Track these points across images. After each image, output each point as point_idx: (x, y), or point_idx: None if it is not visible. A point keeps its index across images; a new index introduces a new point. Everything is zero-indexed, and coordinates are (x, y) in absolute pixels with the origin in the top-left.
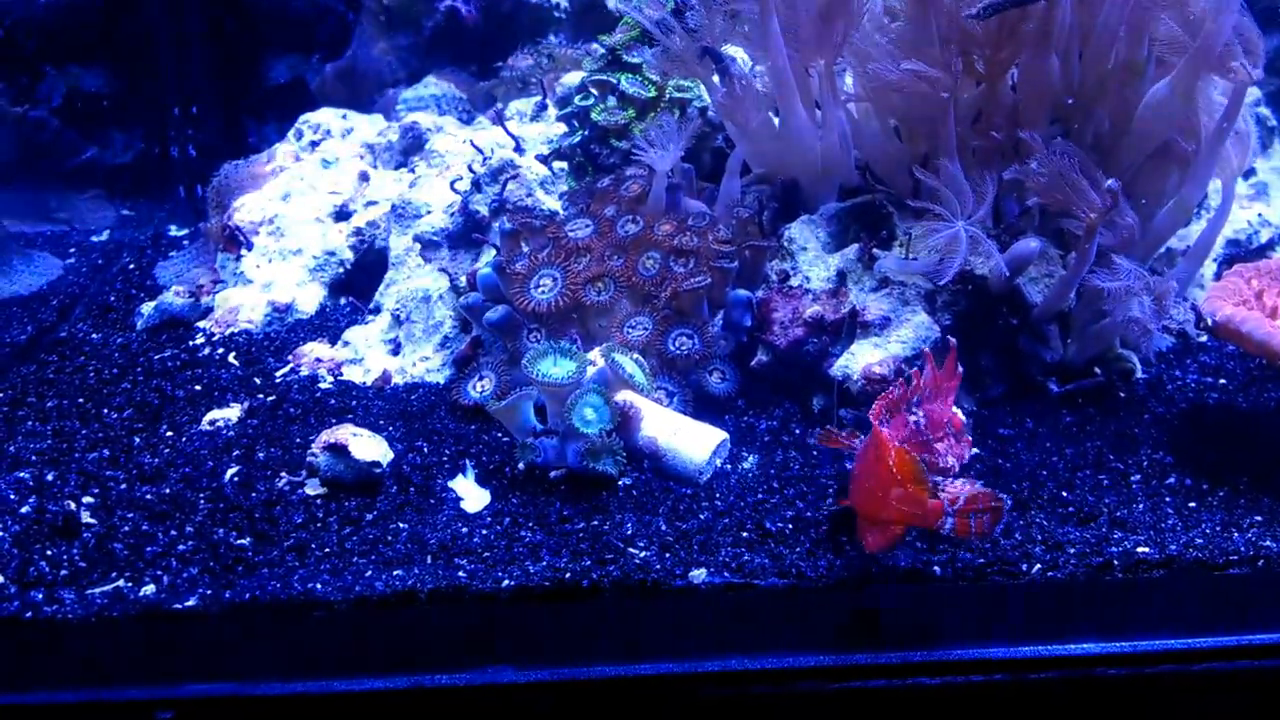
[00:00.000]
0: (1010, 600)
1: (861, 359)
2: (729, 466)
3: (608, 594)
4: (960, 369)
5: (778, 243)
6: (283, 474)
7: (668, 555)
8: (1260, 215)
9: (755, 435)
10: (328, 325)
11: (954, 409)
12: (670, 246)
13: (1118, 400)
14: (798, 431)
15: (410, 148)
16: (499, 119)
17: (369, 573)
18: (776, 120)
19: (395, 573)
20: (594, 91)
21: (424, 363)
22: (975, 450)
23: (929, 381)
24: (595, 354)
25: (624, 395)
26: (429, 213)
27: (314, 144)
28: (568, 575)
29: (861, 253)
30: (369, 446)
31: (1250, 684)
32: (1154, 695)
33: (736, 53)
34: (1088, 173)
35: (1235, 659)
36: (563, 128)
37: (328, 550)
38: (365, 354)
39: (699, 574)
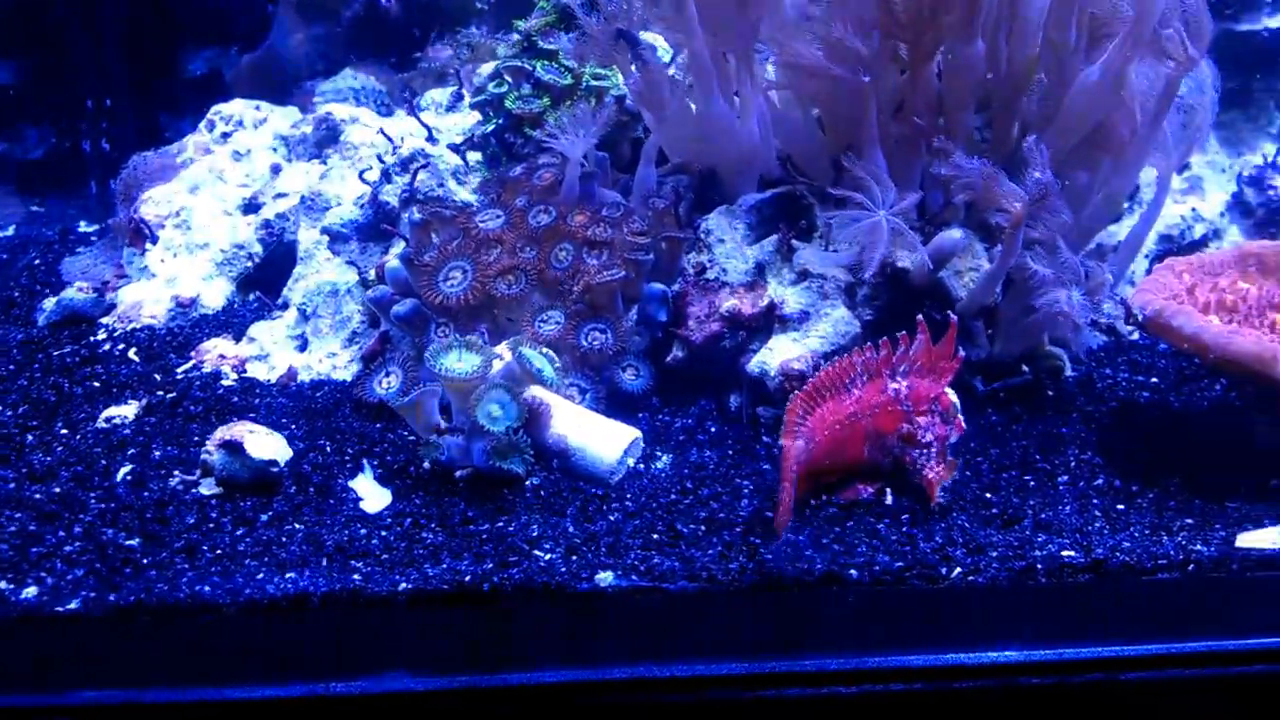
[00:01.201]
0: (930, 605)
1: (779, 355)
2: (642, 466)
3: (509, 598)
4: (962, 353)
5: (695, 234)
6: (175, 473)
7: (574, 558)
8: (1194, 210)
9: (670, 434)
10: (234, 321)
11: (948, 390)
12: (584, 238)
13: (1046, 399)
14: (714, 430)
15: (324, 139)
16: (411, 108)
17: (260, 575)
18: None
19: (288, 575)
20: (508, 79)
21: (331, 359)
22: None
23: (920, 354)
24: (503, 348)
25: (533, 391)
26: (339, 204)
27: (225, 135)
28: (468, 578)
29: (780, 244)
30: (265, 444)
31: (1180, 692)
32: (1080, 705)
33: (657, 40)
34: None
35: (1165, 667)
36: (478, 117)
37: (219, 552)
38: (271, 350)
39: (605, 577)
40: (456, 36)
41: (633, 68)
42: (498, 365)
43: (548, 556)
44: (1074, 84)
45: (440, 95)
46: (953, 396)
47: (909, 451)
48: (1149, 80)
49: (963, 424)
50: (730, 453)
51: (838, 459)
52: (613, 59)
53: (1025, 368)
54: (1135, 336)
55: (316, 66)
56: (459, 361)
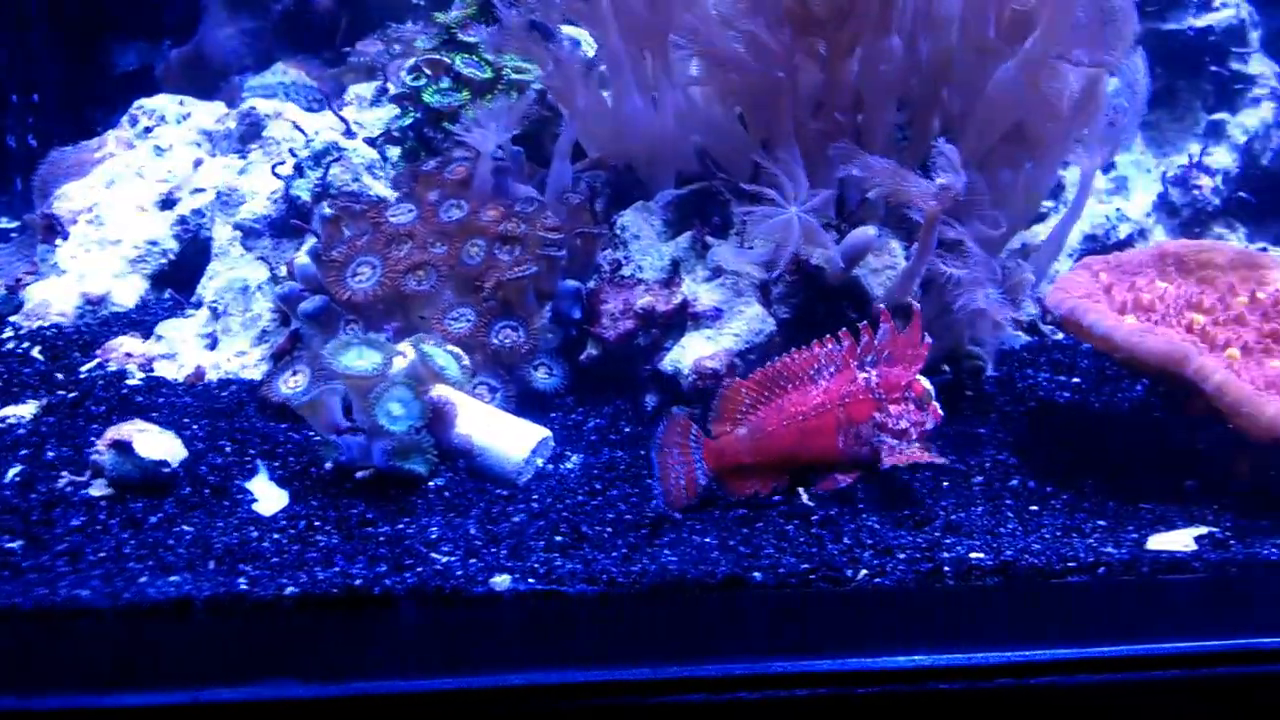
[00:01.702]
0: (835, 608)
1: (692, 353)
2: (551, 466)
3: (401, 602)
4: (929, 339)
5: (610, 231)
6: (64, 474)
7: (473, 561)
8: (1119, 210)
9: (582, 434)
10: (145, 319)
11: (920, 378)
12: (496, 233)
13: (965, 399)
14: (627, 430)
15: (248, 134)
16: (328, 101)
17: (143, 579)
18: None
19: (171, 579)
20: (427, 72)
21: (240, 358)
22: None
23: (886, 343)
24: (405, 345)
25: (438, 390)
26: (254, 199)
27: (148, 130)
28: (358, 582)
29: (695, 240)
30: (157, 444)
31: (1088, 698)
32: (988, 710)
33: (582, 34)
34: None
35: (1073, 672)
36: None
37: (103, 555)
38: (180, 349)
39: (502, 581)
40: (387, 32)
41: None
42: (400, 363)
43: (446, 559)
44: (991, 81)
45: (365, 90)
46: (926, 383)
47: (885, 440)
48: (1070, 78)
49: (939, 411)
50: (643, 453)
51: (807, 450)
52: (530, 51)
53: (946, 367)
54: (1059, 337)
55: (246, 61)
56: (359, 359)
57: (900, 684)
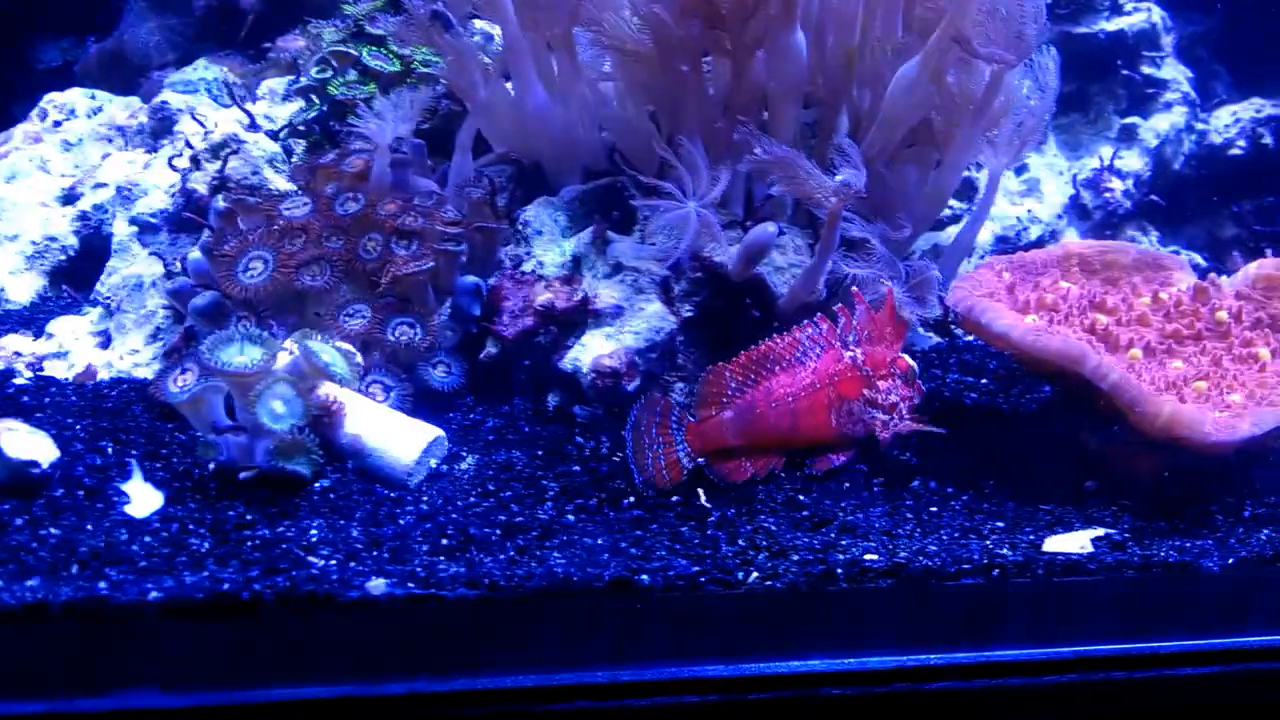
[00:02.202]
0: (725, 612)
1: (592, 351)
2: (445, 467)
3: (271, 608)
4: (911, 316)
5: (513, 226)
6: None
7: (352, 564)
8: (1030, 211)
9: (479, 433)
10: (39, 317)
11: (904, 355)
12: (393, 228)
13: None
14: (526, 429)
15: (159, 129)
16: (230, 93)
17: None
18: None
19: (29, 583)
20: (334, 64)
21: (133, 356)
22: None
23: (864, 323)
24: (291, 342)
25: (327, 389)
26: (153, 193)
27: (57, 124)
28: (226, 586)
29: (596, 236)
30: (26, 443)
31: (981, 702)
32: (883, 716)
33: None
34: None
35: (969, 678)
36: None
37: None
38: (72, 347)
39: (378, 585)
40: (308, 28)
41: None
42: (285, 359)
43: (322, 563)
44: (895, 78)
45: (278, 84)
46: (909, 360)
47: (877, 415)
48: (976, 76)
49: (923, 387)
50: (540, 453)
51: (799, 430)
52: (434, 43)
53: None
54: (970, 338)
55: (168, 57)
56: (239, 355)
57: (792, 689)
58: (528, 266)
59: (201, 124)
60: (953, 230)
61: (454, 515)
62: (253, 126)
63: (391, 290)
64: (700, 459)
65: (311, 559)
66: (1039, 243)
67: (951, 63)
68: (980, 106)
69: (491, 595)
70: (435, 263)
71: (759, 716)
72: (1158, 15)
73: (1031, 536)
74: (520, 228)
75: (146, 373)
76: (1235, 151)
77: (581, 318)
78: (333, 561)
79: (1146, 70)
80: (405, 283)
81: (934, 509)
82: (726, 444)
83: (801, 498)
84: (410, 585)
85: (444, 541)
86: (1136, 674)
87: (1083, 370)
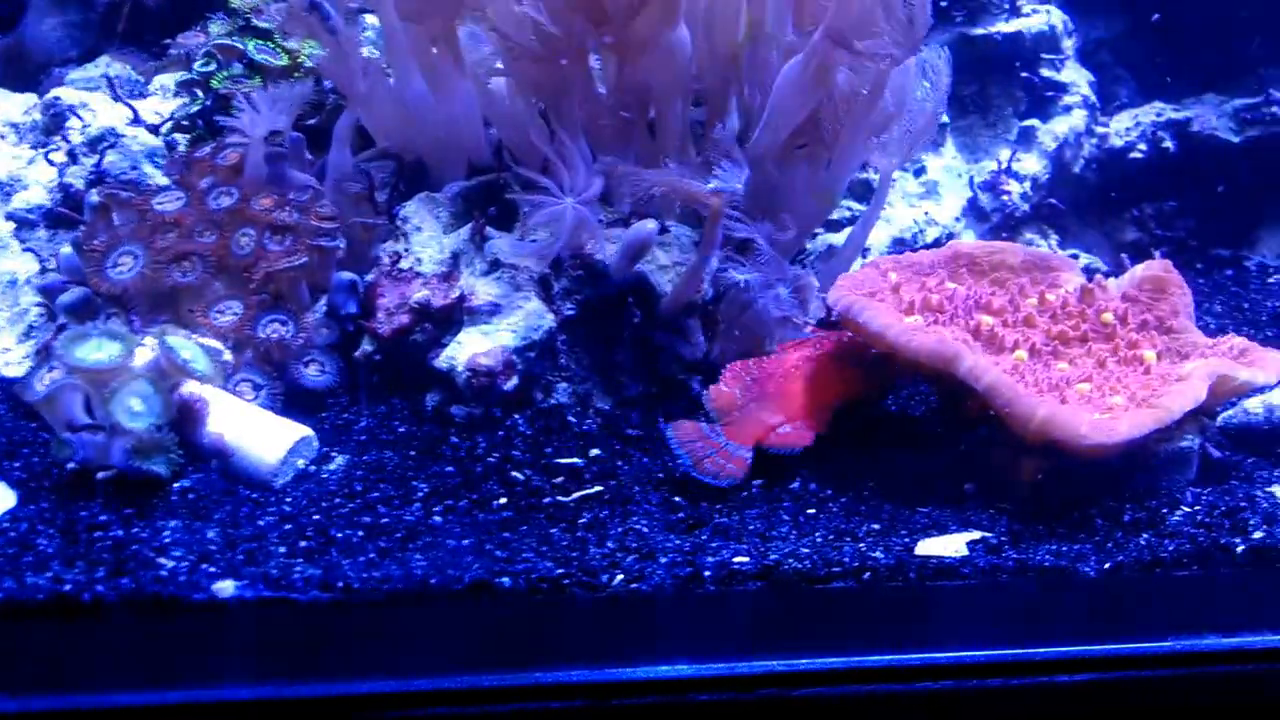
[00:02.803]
0: (589, 615)
1: (468, 349)
2: (313, 468)
3: (115, 610)
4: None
5: (392, 222)
6: None
7: (204, 566)
8: (927, 214)
9: (352, 433)
10: None
11: None
12: (267, 222)
13: None
14: (401, 430)
15: (51, 125)
16: (112, 87)
17: None
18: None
19: None
20: (219, 57)
21: (4, 355)
22: (595, 451)
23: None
24: (151, 338)
25: (190, 387)
26: (32, 188)
27: None
28: (68, 588)
29: (474, 233)
30: None
31: (853, 709)
32: None
33: None
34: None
35: (838, 683)
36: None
37: None
38: None
39: (226, 587)
40: (207, 24)
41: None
42: (145, 356)
43: (173, 564)
44: (780, 76)
45: (169, 79)
46: None
47: None
48: (861, 74)
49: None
50: (413, 454)
51: (825, 385)
52: (316, 34)
53: None
54: None
55: (70, 53)
56: (96, 351)
57: (658, 695)
58: (406, 263)
59: (80, 118)
60: (849, 232)
61: (317, 517)
62: (136, 121)
63: (265, 287)
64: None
65: (162, 560)
66: (936, 245)
67: (841, 61)
68: (865, 106)
69: (346, 598)
70: (309, 258)
71: None
72: (1058, 18)
73: (906, 539)
74: (399, 224)
75: (19, 371)
76: (1136, 155)
77: (458, 315)
78: (184, 563)
79: (1046, 73)
80: (279, 279)
81: (811, 510)
82: (772, 425)
83: (678, 499)
84: (261, 588)
85: (303, 543)
86: (1011, 681)
87: (957, 371)
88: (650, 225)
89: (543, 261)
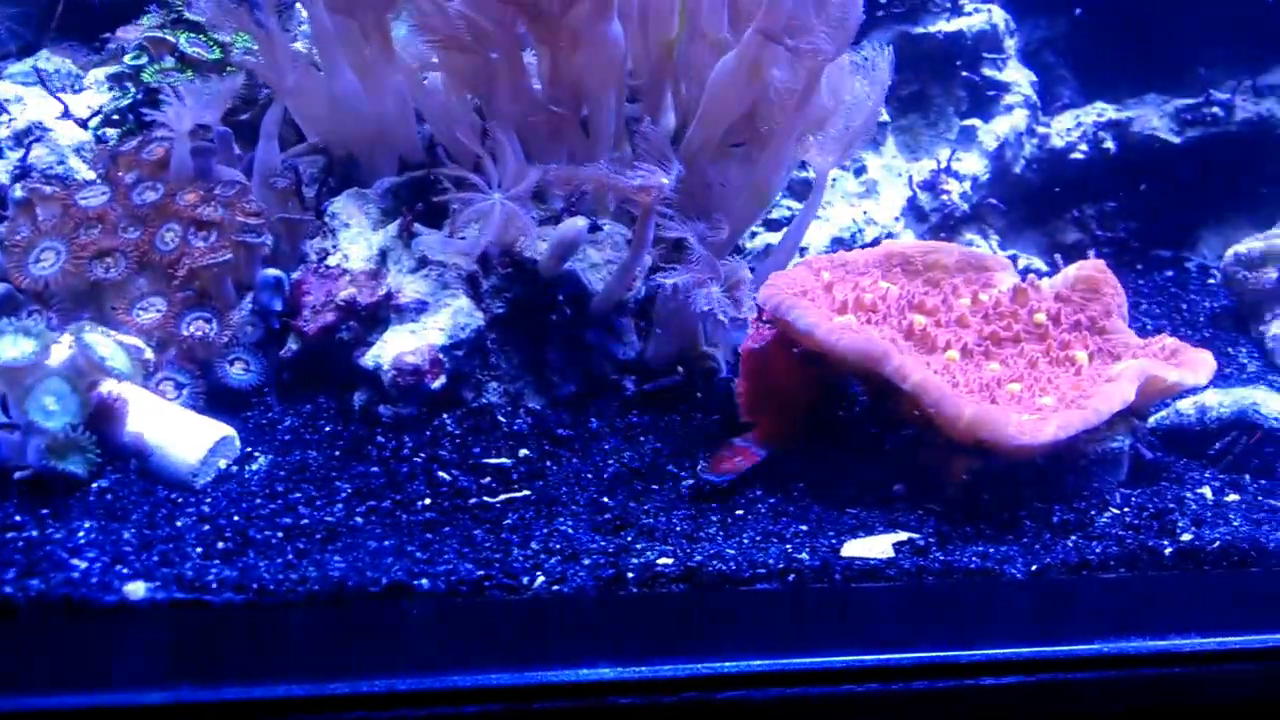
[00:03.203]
0: (509, 618)
1: (394, 348)
2: (235, 468)
3: (23, 612)
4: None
5: (320, 218)
6: None
7: (117, 568)
8: (866, 213)
9: (276, 433)
10: None
11: None
12: (192, 218)
13: (693, 400)
14: (327, 429)
15: None
16: (41, 78)
17: None
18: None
19: None
20: (150, 50)
21: None
22: (525, 452)
23: None
24: (68, 335)
25: (109, 385)
26: None
27: None
28: None
29: (402, 229)
30: None
31: (777, 713)
32: None
33: None
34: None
35: (763, 685)
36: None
37: None
38: None
39: (136, 589)
40: (145, 18)
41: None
42: (63, 354)
43: (85, 565)
44: (713, 72)
45: (102, 73)
46: None
47: None
48: (794, 71)
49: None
50: (338, 454)
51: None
52: (246, 27)
53: (679, 369)
54: None
55: (9, 48)
56: (10, 348)
57: (579, 698)
58: (333, 260)
59: (5, 111)
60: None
61: (236, 518)
62: (66, 115)
63: (189, 283)
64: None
65: (75, 561)
66: (875, 244)
67: (776, 59)
68: (799, 103)
69: (260, 600)
70: (234, 255)
71: None
72: (999, 17)
73: (834, 541)
74: (328, 220)
75: None
76: (1077, 156)
77: (385, 314)
78: (97, 564)
79: (987, 72)
80: (203, 275)
81: (740, 512)
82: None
83: (606, 499)
84: (174, 589)
85: (220, 545)
86: (936, 683)
87: (884, 371)
88: (580, 223)
89: (470, 258)
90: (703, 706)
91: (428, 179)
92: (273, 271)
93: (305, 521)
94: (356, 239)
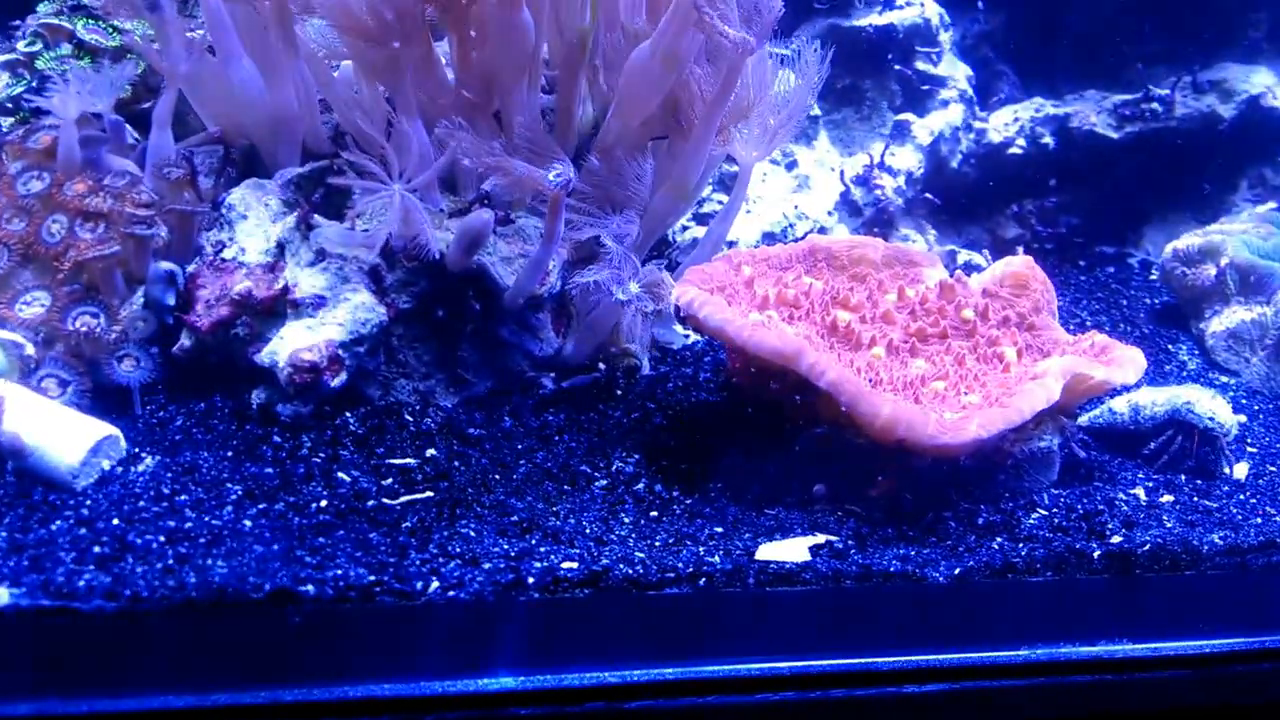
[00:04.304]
0: (401, 625)
1: (290, 344)
2: (119, 469)
3: None
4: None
5: (217, 210)
6: None
7: None
8: (798, 208)
9: (166, 433)
10: None
11: None
12: (79, 209)
13: (614, 398)
14: (220, 429)
15: None
16: None
17: None
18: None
19: None
20: (46, 36)
21: None
22: (432, 451)
23: None
24: None
25: None
26: None
27: None
28: None
29: (300, 221)
30: None
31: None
32: None
33: None
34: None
35: (675, 695)
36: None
37: None
38: None
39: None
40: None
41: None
42: None
43: None
44: (628, 62)
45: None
46: None
47: None
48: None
49: None
50: (230, 455)
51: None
52: (141, 13)
53: (601, 365)
54: None
55: None
56: None
57: (478, 709)
58: (229, 253)
59: None
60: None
61: (116, 521)
62: None
63: (76, 277)
64: None
65: None
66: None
67: (694, 49)
68: (719, 95)
69: (133, 608)
70: (124, 247)
71: None
72: (933, 11)
73: (749, 543)
74: (224, 212)
75: None
76: (1015, 151)
77: (282, 308)
78: None
79: (921, 66)
80: (90, 268)
81: (654, 514)
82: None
83: (514, 501)
84: (41, 596)
85: (96, 549)
86: (855, 691)
87: (799, 368)
88: (487, 214)
89: (371, 251)
90: (610, 716)
91: (332, 170)
92: (165, 265)
93: (189, 525)
94: (254, 231)
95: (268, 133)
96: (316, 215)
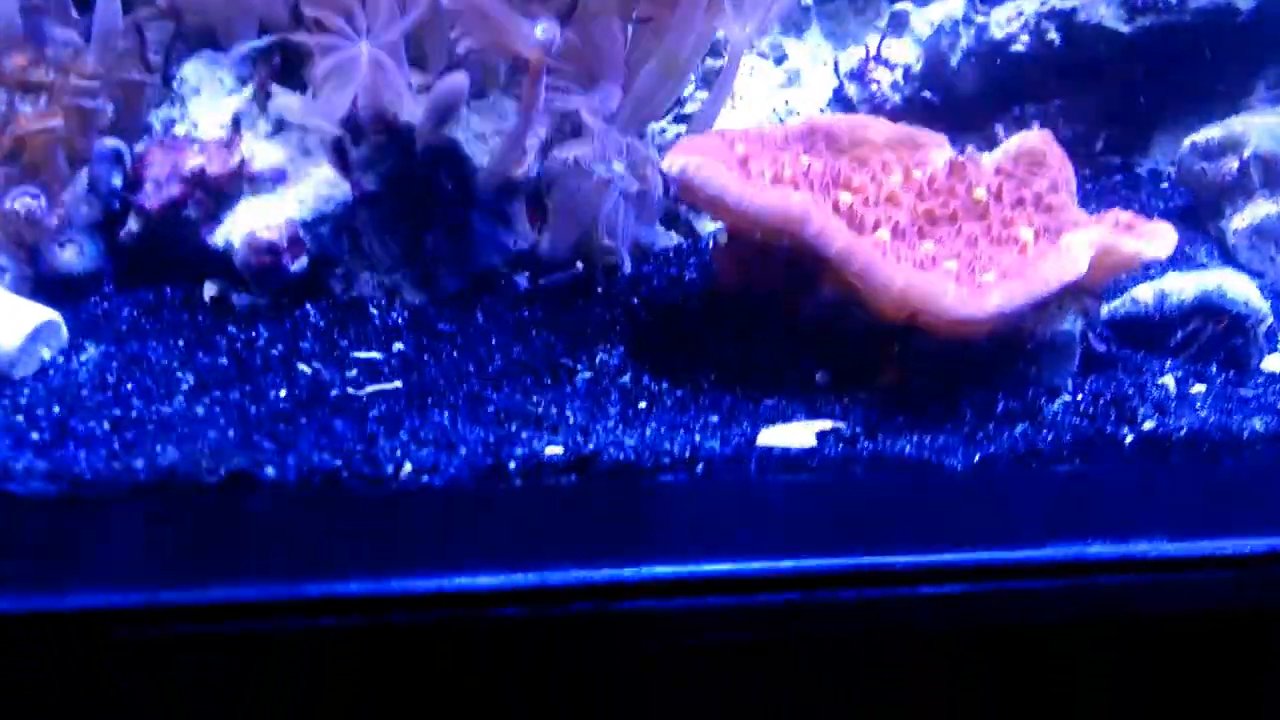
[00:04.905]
0: (370, 513)
1: (246, 222)
2: (61, 359)
3: None
4: None
5: (166, 86)
6: None
7: None
8: (788, 103)
9: (113, 323)
10: None
11: None
12: (19, 82)
13: (595, 296)
14: (169, 319)
15: None
16: None
17: None
18: None
19: None
20: None
21: None
22: (399, 347)
23: None
24: None
25: None
26: None
27: None
28: None
29: (258, 90)
30: None
31: (682, 622)
32: (567, 638)
33: None
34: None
35: (672, 595)
36: None
37: None
38: None
39: None
40: None
41: None
42: None
43: None
44: None
45: None
46: None
47: None
48: None
49: None
50: (182, 345)
51: None
52: None
53: (579, 263)
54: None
55: None
56: None
57: (453, 608)
58: (181, 129)
59: None
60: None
61: (57, 409)
62: None
63: (16, 156)
64: None
65: None
66: None
67: None
68: None
69: (75, 492)
70: (67, 122)
71: (411, 642)
72: None
73: (748, 430)
74: (176, 87)
75: None
76: (1018, 48)
77: (238, 188)
78: None
79: None
80: (32, 145)
81: (642, 404)
82: None
83: (490, 392)
84: None
85: (34, 436)
86: (866, 591)
87: (805, 235)
88: (460, 78)
89: (333, 118)
90: (597, 619)
91: (290, 42)
92: (111, 142)
93: (136, 414)
94: (208, 106)
95: (223, 4)
96: (275, 84)
